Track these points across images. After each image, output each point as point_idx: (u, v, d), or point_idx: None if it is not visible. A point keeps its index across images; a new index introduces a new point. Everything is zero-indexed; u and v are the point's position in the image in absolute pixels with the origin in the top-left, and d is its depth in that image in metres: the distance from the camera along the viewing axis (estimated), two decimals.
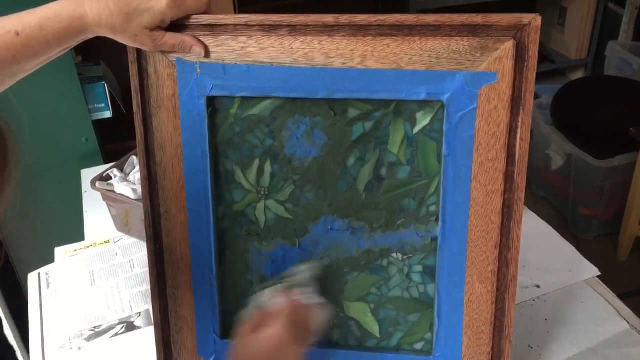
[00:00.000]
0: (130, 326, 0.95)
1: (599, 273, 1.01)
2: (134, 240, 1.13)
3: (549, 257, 1.05)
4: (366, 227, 0.74)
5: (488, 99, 0.66)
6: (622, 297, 0.96)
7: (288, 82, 0.68)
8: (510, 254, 0.70)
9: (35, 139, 1.41)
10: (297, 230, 0.75)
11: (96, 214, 1.20)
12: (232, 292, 0.78)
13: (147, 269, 0.77)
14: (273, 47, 0.67)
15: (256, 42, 0.67)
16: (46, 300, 1.01)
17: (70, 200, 1.38)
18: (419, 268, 0.74)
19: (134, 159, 1.12)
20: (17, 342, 1.38)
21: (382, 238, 0.74)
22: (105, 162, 1.45)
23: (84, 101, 1.47)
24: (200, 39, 0.68)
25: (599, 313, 0.93)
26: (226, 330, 0.78)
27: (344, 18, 0.65)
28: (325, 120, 0.70)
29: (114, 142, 1.59)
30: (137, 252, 1.10)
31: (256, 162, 0.73)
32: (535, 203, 2.36)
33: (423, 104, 0.68)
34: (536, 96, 1.90)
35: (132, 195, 1.04)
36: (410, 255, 0.74)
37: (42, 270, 1.08)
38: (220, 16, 0.67)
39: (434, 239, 0.73)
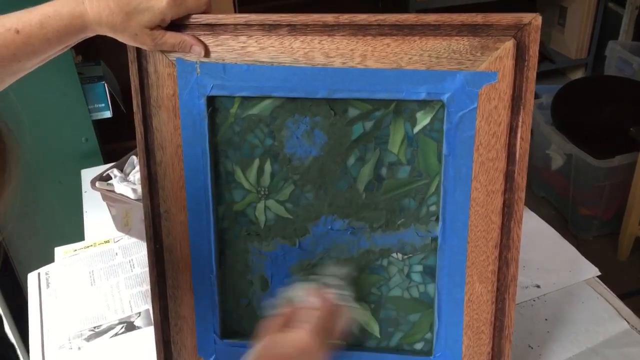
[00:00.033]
0: (130, 326, 0.95)
1: (599, 273, 1.01)
2: (134, 240, 1.13)
3: (549, 257, 1.05)
4: (366, 227, 0.74)
5: (488, 99, 0.66)
6: (622, 297, 0.96)
7: (288, 81, 0.68)
8: (510, 254, 0.70)
9: (35, 139, 1.41)
10: (297, 230, 0.75)
11: (96, 214, 1.20)
12: (232, 292, 0.78)
13: (147, 269, 0.77)
14: (273, 46, 0.67)
15: (256, 41, 0.67)
16: (46, 300, 1.01)
17: (70, 200, 1.38)
18: (419, 268, 0.74)
19: (134, 158, 1.12)
20: (17, 342, 1.38)
21: (382, 238, 0.74)
22: (105, 162, 1.45)
23: (84, 101, 1.47)
24: (200, 38, 0.68)
25: (599, 313, 0.93)
26: (226, 330, 0.78)
27: (344, 18, 0.65)
28: (326, 120, 0.70)
29: (114, 142, 1.59)
30: (137, 252, 1.10)
31: (256, 162, 0.73)
32: (536, 203, 2.36)
33: (423, 104, 0.68)
34: (536, 96, 1.89)
35: (132, 195, 1.04)
36: (411, 255, 0.74)
37: (42, 270, 1.08)
38: (220, 15, 0.67)
39: (434, 239, 0.73)
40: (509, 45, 0.64)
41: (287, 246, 0.75)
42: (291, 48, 0.67)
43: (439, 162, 0.70)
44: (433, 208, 0.72)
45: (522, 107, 0.66)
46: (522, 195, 0.68)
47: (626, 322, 0.91)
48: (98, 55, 1.61)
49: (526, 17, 0.63)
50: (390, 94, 0.67)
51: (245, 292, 0.78)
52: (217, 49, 0.68)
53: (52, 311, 0.99)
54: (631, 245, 2.09)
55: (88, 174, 1.28)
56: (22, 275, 1.55)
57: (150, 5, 0.63)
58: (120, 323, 0.95)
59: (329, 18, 0.65)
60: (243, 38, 0.67)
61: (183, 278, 0.76)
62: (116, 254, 1.10)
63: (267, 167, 0.73)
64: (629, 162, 2.00)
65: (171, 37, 0.66)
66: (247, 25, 0.67)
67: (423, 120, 0.69)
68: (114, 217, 1.13)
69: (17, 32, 0.61)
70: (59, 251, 1.12)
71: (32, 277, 1.07)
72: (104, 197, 1.09)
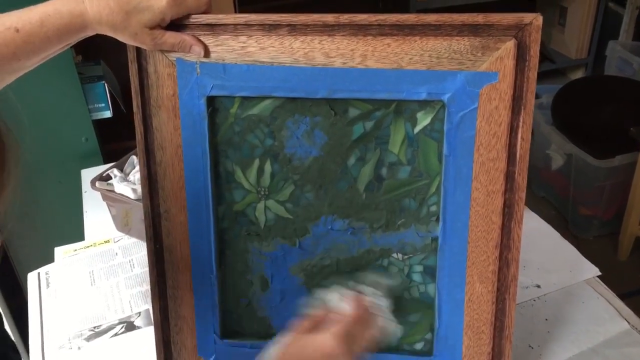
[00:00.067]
0: (130, 326, 0.95)
1: (599, 273, 1.00)
2: (134, 240, 1.13)
3: (549, 257, 1.05)
4: (366, 227, 0.73)
5: (489, 99, 0.66)
6: (622, 297, 0.96)
7: (288, 81, 0.68)
8: (510, 254, 0.70)
9: (35, 139, 1.41)
10: (297, 230, 0.75)
11: (96, 214, 1.20)
12: (232, 292, 0.78)
13: (147, 269, 0.77)
14: (273, 46, 0.67)
15: (256, 41, 0.67)
16: (46, 300, 1.01)
17: (70, 200, 1.38)
18: (420, 268, 0.74)
19: (134, 158, 1.12)
20: (17, 342, 1.38)
21: (382, 238, 0.74)
22: (105, 162, 1.45)
23: (84, 101, 1.47)
24: (200, 38, 0.67)
25: (600, 313, 0.93)
26: (226, 330, 0.78)
27: (345, 18, 0.65)
28: (326, 120, 0.70)
29: (114, 141, 1.59)
30: (137, 252, 1.10)
31: (256, 162, 0.73)
32: (536, 203, 2.36)
33: (424, 104, 0.68)
34: (536, 96, 1.89)
35: (132, 195, 1.04)
36: (411, 255, 0.74)
37: (42, 270, 1.08)
38: (220, 15, 0.67)
39: (435, 239, 0.72)
40: (509, 45, 0.64)
41: (287, 246, 0.75)
42: (291, 48, 0.67)
43: (439, 162, 0.70)
44: (433, 208, 0.72)
45: (522, 107, 0.66)
46: (523, 195, 0.68)
47: (626, 322, 0.91)
48: (98, 55, 1.61)
49: (527, 17, 0.63)
50: (390, 94, 0.67)
51: (246, 292, 0.78)
52: (217, 49, 0.68)
53: (52, 311, 0.99)
54: (631, 245, 2.09)
55: (88, 174, 1.28)
56: (22, 275, 1.55)
57: (150, 5, 0.63)
58: (120, 323, 0.95)
59: (329, 18, 0.65)
60: (243, 38, 0.67)
61: (183, 278, 0.76)
62: (116, 254, 1.10)
63: (267, 167, 0.73)
64: (629, 162, 2.00)
65: (171, 37, 0.66)
66: (247, 25, 0.67)
67: (423, 120, 0.69)
68: (114, 217, 1.13)
69: (17, 30, 0.61)
70: (59, 251, 1.12)
71: (32, 277, 1.06)
72: (104, 197, 1.09)
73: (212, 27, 0.67)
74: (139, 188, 1.01)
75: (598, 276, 1.00)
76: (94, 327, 0.95)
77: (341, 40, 0.66)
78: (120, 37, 0.65)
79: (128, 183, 1.06)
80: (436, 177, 0.70)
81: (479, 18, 0.63)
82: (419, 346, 0.77)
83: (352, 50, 0.66)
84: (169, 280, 0.77)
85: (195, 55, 0.68)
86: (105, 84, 1.48)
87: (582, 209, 2.20)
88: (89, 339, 0.93)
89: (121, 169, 1.10)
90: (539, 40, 0.64)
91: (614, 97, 2.26)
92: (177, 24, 0.67)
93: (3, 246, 1.39)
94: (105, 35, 0.65)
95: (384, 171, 0.71)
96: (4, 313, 1.49)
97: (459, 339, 0.74)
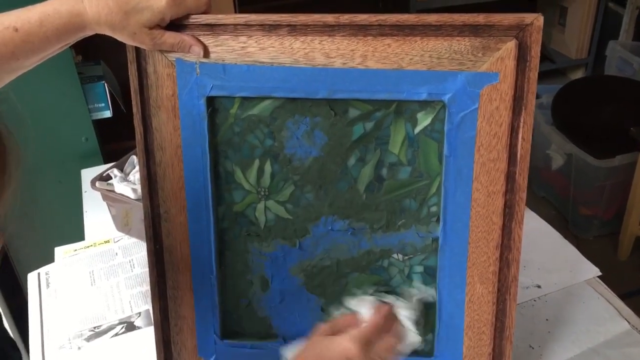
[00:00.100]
0: (130, 326, 0.94)
1: (599, 273, 1.00)
2: (134, 240, 1.13)
3: (549, 257, 1.04)
4: (367, 227, 0.73)
5: (490, 99, 0.65)
6: (622, 297, 0.96)
7: (288, 82, 0.68)
8: (511, 255, 0.70)
9: (35, 139, 1.41)
10: (297, 231, 0.74)
11: (96, 214, 1.20)
12: (233, 292, 0.78)
13: (147, 269, 0.77)
14: (273, 47, 0.67)
15: (256, 42, 0.67)
16: (46, 300, 1.01)
17: (70, 200, 1.38)
18: (420, 269, 0.74)
19: (134, 158, 1.12)
20: (17, 342, 1.38)
21: (382, 239, 0.74)
22: (105, 162, 1.45)
23: (84, 101, 1.47)
24: (200, 38, 0.67)
25: (600, 313, 0.93)
26: (226, 330, 0.78)
27: (345, 18, 0.65)
28: (326, 121, 0.70)
29: (114, 141, 1.59)
30: (137, 252, 1.10)
31: (256, 163, 0.73)
32: (536, 203, 2.36)
33: (424, 104, 0.68)
34: (537, 96, 1.89)
35: (132, 195, 1.04)
36: (411, 255, 0.74)
37: (42, 270, 1.08)
38: (220, 16, 0.67)
39: (435, 240, 0.72)
40: (510, 45, 0.64)
41: (287, 247, 0.75)
42: (291, 48, 0.67)
43: (439, 162, 0.70)
44: (434, 209, 0.72)
45: (523, 108, 0.66)
46: (523, 196, 0.68)
47: (627, 322, 0.91)
48: (98, 55, 1.61)
49: (528, 17, 0.63)
50: (391, 94, 0.67)
51: (246, 292, 0.78)
52: (216, 49, 0.68)
53: (52, 311, 0.99)
54: (631, 245, 2.09)
55: (88, 174, 1.28)
56: (22, 275, 1.55)
57: (149, 5, 0.63)
58: (120, 323, 0.95)
59: (330, 18, 0.65)
60: (243, 38, 0.67)
61: (183, 278, 0.76)
62: (116, 254, 1.10)
63: (267, 168, 0.73)
64: (629, 162, 2.00)
65: (170, 37, 0.66)
66: (247, 26, 0.67)
67: (424, 120, 0.69)
68: (114, 217, 1.13)
69: (16, 30, 0.61)
70: (59, 251, 1.12)
71: (32, 277, 1.06)
72: (104, 197, 1.09)
73: (211, 27, 0.67)
74: (139, 188, 1.00)
75: (598, 276, 1.00)
76: (94, 327, 0.95)
77: (341, 40, 0.66)
78: (119, 37, 0.65)
79: (128, 183, 1.06)
80: (437, 178, 0.70)
81: (479, 18, 0.63)
82: (419, 346, 0.76)
83: (352, 50, 0.66)
84: (169, 281, 0.77)
85: (194, 55, 0.68)
86: (105, 84, 1.48)
87: (583, 209, 2.20)
88: (89, 339, 0.93)
89: (121, 169, 1.10)
90: (539, 40, 0.64)
91: (614, 97, 2.26)
92: (176, 24, 0.66)
93: (4, 247, 1.39)
94: (105, 35, 0.65)
95: (384, 172, 0.71)
96: (3, 313, 1.49)
97: (459, 339, 0.74)
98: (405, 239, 0.73)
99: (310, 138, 0.71)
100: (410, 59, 0.65)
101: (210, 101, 0.70)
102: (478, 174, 0.68)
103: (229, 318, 0.78)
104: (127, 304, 0.99)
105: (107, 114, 1.51)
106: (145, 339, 0.90)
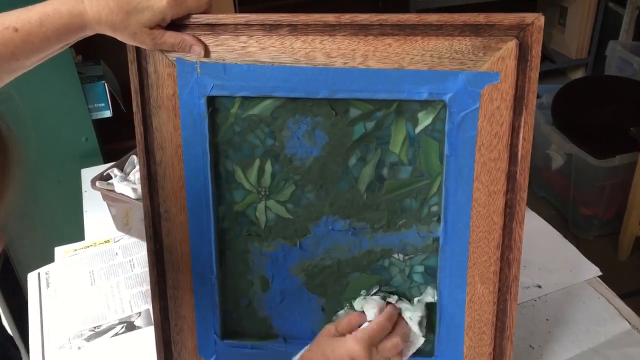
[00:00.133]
0: (130, 326, 0.94)
1: (600, 273, 1.00)
2: (134, 240, 1.12)
3: (550, 257, 1.04)
4: (367, 227, 0.73)
5: (490, 99, 0.65)
6: (623, 297, 0.96)
7: (289, 81, 0.68)
8: (512, 255, 0.70)
9: (35, 138, 1.41)
10: (298, 231, 0.74)
11: (96, 214, 1.20)
12: (233, 292, 0.78)
13: (147, 269, 0.77)
14: (274, 46, 0.67)
15: (257, 41, 0.67)
16: (46, 300, 1.01)
17: (70, 199, 1.38)
18: (421, 268, 0.74)
19: (134, 158, 1.12)
20: (17, 342, 1.38)
21: (383, 238, 0.73)
22: (105, 162, 1.45)
23: (84, 100, 1.47)
24: (201, 38, 0.67)
25: (600, 313, 0.92)
26: (227, 330, 0.78)
27: (346, 17, 0.65)
28: (327, 120, 0.70)
29: (114, 141, 1.59)
30: (137, 251, 1.10)
31: (257, 162, 0.73)
32: (536, 203, 2.36)
33: (425, 104, 0.68)
34: (537, 96, 1.89)
35: (132, 195, 1.03)
36: (412, 255, 0.74)
37: (42, 270, 1.08)
38: (220, 15, 0.67)
39: (436, 240, 0.72)
40: (511, 45, 0.64)
41: (288, 247, 0.75)
42: (292, 48, 0.67)
43: (440, 162, 0.70)
44: (434, 208, 0.72)
45: (524, 108, 0.66)
46: (524, 195, 0.68)
47: (627, 322, 0.91)
48: (98, 55, 1.61)
49: (529, 17, 0.63)
50: (391, 94, 0.67)
51: (246, 292, 0.78)
52: (217, 49, 0.68)
53: (52, 311, 0.98)
54: (632, 245, 2.09)
55: (88, 174, 1.28)
56: (22, 275, 1.55)
57: (150, 5, 0.63)
58: (120, 323, 0.95)
59: (330, 18, 0.65)
60: (243, 38, 0.67)
61: (183, 278, 0.76)
62: (116, 253, 1.10)
63: (268, 168, 0.73)
64: (629, 161, 2.00)
65: (171, 37, 0.66)
66: (248, 25, 0.67)
67: (425, 120, 0.69)
68: (114, 217, 1.13)
69: (16, 30, 0.61)
70: (59, 251, 1.12)
71: (32, 277, 1.06)
72: (104, 197, 1.09)
73: (212, 27, 0.67)
74: (139, 188, 1.00)
75: (599, 276, 1.00)
76: (94, 327, 0.94)
77: (342, 40, 0.66)
78: (120, 37, 0.65)
79: (128, 183, 1.05)
80: (437, 177, 0.70)
81: (480, 18, 0.63)
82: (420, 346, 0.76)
83: (353, 50, 0.66)
84: (169, 281, 0.77)
85: (195, 55, 0.68)
86: (105, 84, 1.48)
87: (583, 209, 2.20)
88: (89, 339, 0.92)
89: (121, 169, 1.10)
90: (540, 40, 0.64)
91: (614, 97, 2.26)
92: (177, 24, 0.66)
93: (5, 249, 1.39)
94: (105, 35, 0.65)
95: (385, 171, 0.71)
96: (3, 313, 1.49)
97: (460, 339, 0.73)
98: (406, 238, 0.73)
99: (311, 138, 0.71)
100: (411, 59, 0.65)
101: (211, 101, 0.70)
102: (479, 173, 0.68)
103: (229, 318, 0.78)
104: (127, 304, 0.99)
105: (107, 113, 1.51)
106: (146, 338, 0.90)
